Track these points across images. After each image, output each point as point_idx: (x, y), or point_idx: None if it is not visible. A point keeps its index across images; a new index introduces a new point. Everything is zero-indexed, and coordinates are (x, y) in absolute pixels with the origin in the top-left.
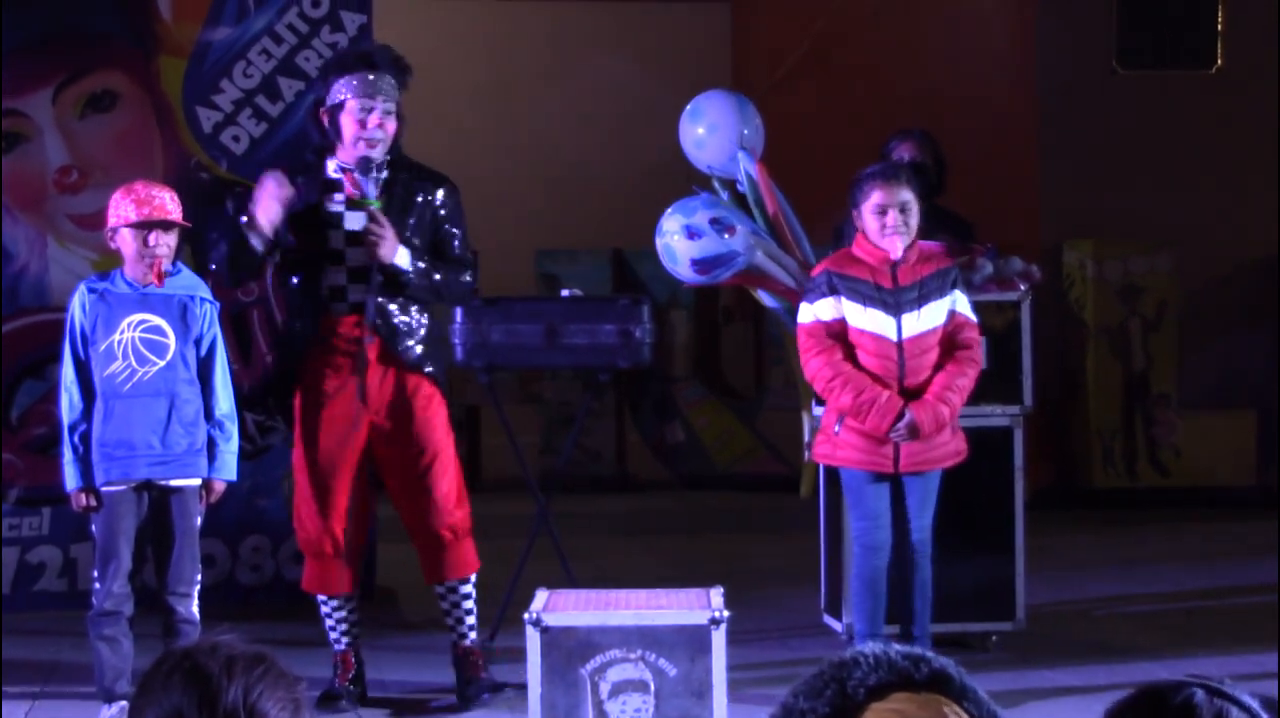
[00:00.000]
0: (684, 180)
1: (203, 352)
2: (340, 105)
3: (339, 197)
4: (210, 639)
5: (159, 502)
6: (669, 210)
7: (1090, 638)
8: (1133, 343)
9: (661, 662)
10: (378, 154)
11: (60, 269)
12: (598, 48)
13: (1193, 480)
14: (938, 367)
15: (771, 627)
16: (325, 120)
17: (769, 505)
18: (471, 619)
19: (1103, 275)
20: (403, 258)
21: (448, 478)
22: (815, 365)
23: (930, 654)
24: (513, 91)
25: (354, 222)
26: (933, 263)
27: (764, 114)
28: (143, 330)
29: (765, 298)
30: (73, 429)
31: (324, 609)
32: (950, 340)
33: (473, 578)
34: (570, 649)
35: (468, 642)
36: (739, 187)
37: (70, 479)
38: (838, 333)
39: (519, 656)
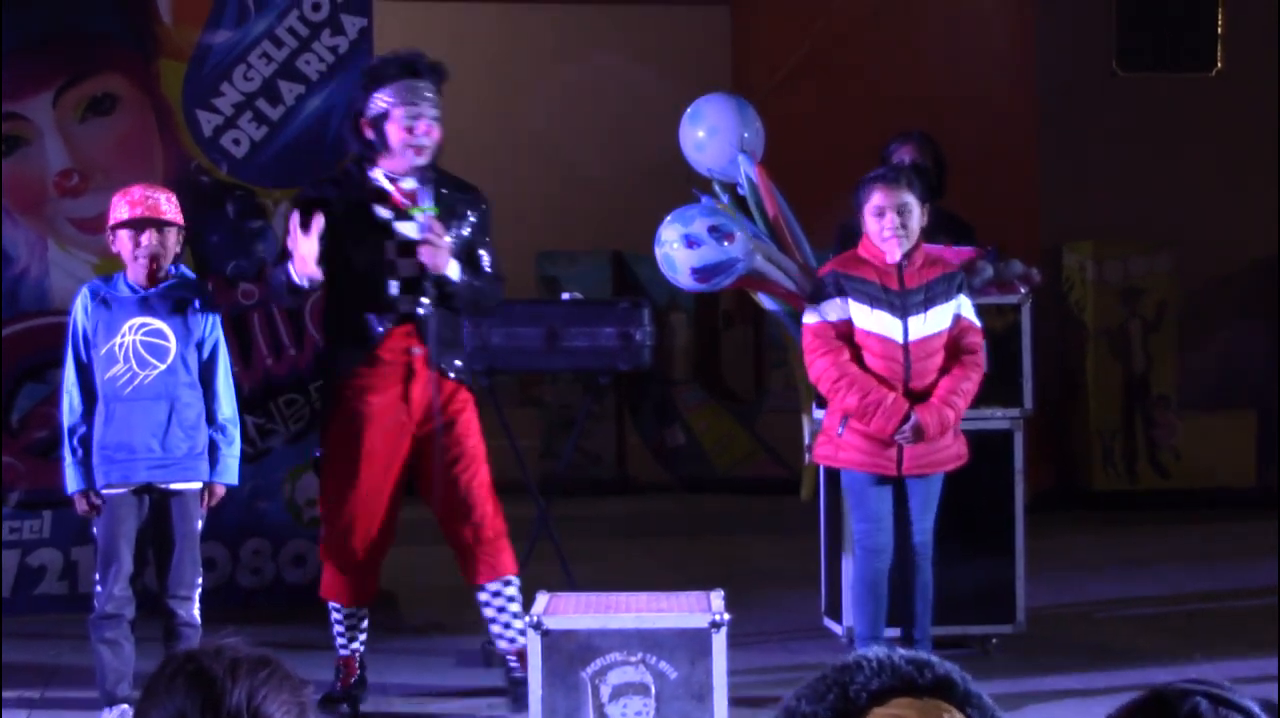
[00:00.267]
0: (684, 182)
1: (205, 355)
2: (385, 115)
3: (385, 207)
4: (215, 642)
5: (159, 505)
6: (667, 219)
7: (1091, 640)
8: (1132, 344)
9: (662, 665)
10: (425, 160)
11: (61, 273)
12: (598, 48)
13: (1193, 482)
14: (942, 370)
15: (772, 630)
16: (369, 131)
17: (769, 508)
18: (520, 622)
19: (1102, 277)
20: (453, 268)
21: (488, 483)
22: (821, 366)
23: (934, 659)
24: (513, 93)
25: (407, 231)
26: (939, 267)
27: (764, 116)
28: (144, 334)
29: (766, 301)
30: (72, 432)
31: (335, 616)
32: (955, 345)
33: (517, 579)
34: (571, 652)
35: (519, 644)
36: (739, 189)
37: (71, 482)
38: (844, 334)
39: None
